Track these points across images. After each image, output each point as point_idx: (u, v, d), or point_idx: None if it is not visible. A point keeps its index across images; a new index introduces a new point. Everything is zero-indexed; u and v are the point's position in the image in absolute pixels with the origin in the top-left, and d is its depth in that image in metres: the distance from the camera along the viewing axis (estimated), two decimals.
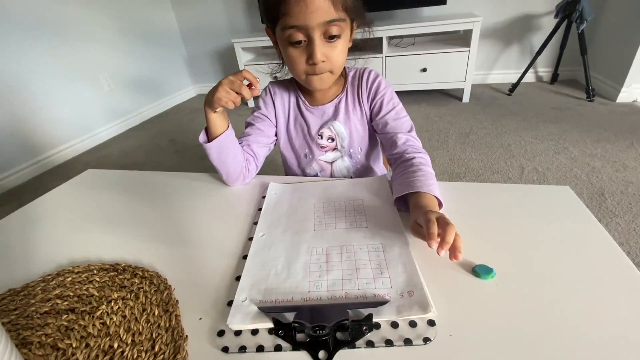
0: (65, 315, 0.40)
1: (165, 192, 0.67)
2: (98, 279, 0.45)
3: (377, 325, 0.36)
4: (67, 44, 2.20)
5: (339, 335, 0.36)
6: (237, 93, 0.56)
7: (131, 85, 2.71)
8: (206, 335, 0.37)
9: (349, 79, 0.72)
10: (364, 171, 0.78)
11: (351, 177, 0.76)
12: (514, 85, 2.48)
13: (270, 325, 0.37)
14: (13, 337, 0.38)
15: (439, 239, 0.41)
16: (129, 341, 0.37)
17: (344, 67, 0.71)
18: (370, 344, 0.35)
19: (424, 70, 2.38)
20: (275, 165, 1.40)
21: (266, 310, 0.38)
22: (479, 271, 0.41)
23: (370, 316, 0.36)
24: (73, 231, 0.59)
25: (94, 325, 0.39)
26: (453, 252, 0.41)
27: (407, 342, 0.34)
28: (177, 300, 0.42)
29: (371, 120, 0.72)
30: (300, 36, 0.56)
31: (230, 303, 0.40)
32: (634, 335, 0.33)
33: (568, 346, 0.33)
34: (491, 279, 0.41)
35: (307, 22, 0.54)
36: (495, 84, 2.74)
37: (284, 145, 0.77)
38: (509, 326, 0.35)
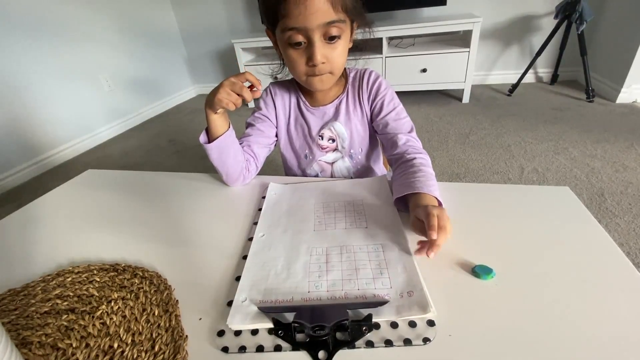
0: (65, 315, 0.40)
1: (165, 193, 0.67)
2: (98, 279, 0.45)
3: (377, 326, 0.36)
4: (67, 44, 2.20)
5: (338, 335, 0.36)
6: (238, 95, 0.56)
7: (131, 86, 2.71)
8: (206, 335, 0.37)
9: (350, 79, 0.72)
10: (364, 172, 0.78)
11: (351, 178, 0.76)
12: (514, 86, 2.48)
13: (270, 325, 0.37)
14: (13, 337, 0.38)
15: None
16: (129, 341, 0.37)
17: (345, 68, 0.71)
18: (369, 344, 0.35)
19: (424, 70, 2.38)
20: (275, 166, 1.40)
21: (266, 310, 0.38)
22: (479, 271, 0.41)
23: (369, 316, 0.36)
24: (73, 231, 0.59)
25: (94, 325, 0.39)
26: (430, 247, 0.42)
27: (407, 342, 0.34)
28: (177, 301, 0.42)
29: (372, 120, 0.72)
30: (300, 38, 0.56)
31: (230, 303, 0.40)
32: (633, 335, 0.33)
33: (568, 346, 0.33)
34: (491, 279, 0.41)
35: (307, 23, 0.54)
36: (495, 85, 2.74)
37: (284, 146, 0.77)
38: (509, 326, 0.35)
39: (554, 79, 2.59)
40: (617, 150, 1.66)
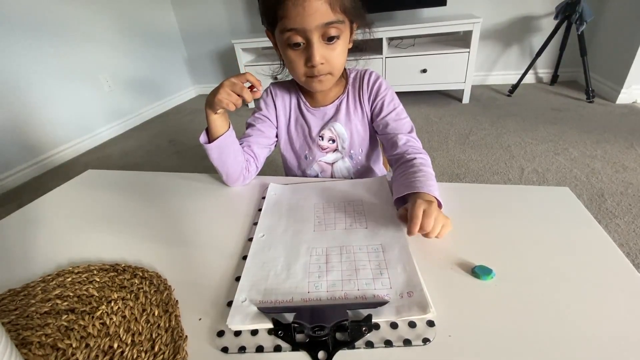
0: (65, 316, 0.40)
1: (165, 193, 0.67)
2: (98, 280, 0.45)
3: (377, 326, 0.36)
4: (67, 44, 2.20)
5: (338, 335, 0.36)
6: (238, 95, 0.56)
7: (131, 86, 2.71)
8: (206, 336, 0.37)
9: (350, 80, 0.72)
10: (364, 172, 0.78)
11: (351, 178, 0.76)
12: (514, 87, 2.48)
13: (270, 325, 0.37)
14: (13, 337, 0.38)
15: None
16: (129, 341, 0.37)
17: (345, 69, 0.71)
18: (369, 344, 0.35)
19: (424, 71, 2.38)
20: (275, 166, 1.40)
21: (266, 310, 0.38)
22: (479, 272, 0.41)
23: (369, 317, 0.36)
24: (73, 231, 0.59)
25: (93, 325, 0.39)
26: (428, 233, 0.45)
27: (407, 342, 0.34)
28: (177, 301, 0.42)
29: (372, 121, 0.72)
30: (298, 39, 0.56)
31: (230, 303, 0.40)
32: (633, 336, 0.33)
33: (568, 347, 0.33)
34: (490, 279, 0.41)
35: (305, 24, 0.54)
36: (495, 85, 2.74)
37: (285, 146, 0.77)
38: (508, 327, 0.35)
39: (554, 79, 2.59)
40: (617, 150, 1.66)
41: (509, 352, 0.33)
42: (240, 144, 0.68)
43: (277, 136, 0.76)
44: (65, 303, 0.42)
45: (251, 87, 0.56)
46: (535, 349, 0.33)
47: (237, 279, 0.44)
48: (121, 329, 0.38)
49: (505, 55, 2.68)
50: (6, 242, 0.57)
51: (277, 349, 0.35)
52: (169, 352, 0.35)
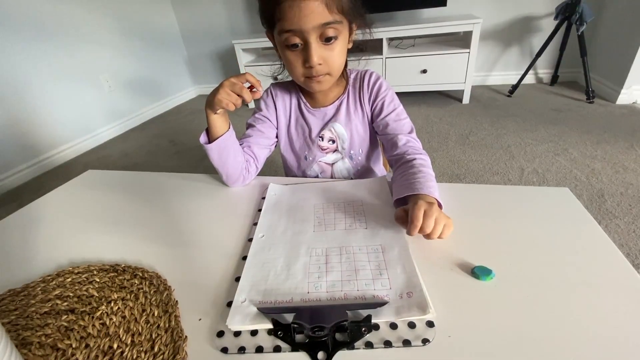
0: (65, 316, 0.40)
1: (165, 193, 0.68)
2: (98, 280, 0.45)
3: (376, 326, 0.36)
4: (67, 45, 2.20)
5: (338, 336, 0.36)
6: (238, 95, 0.56)
7: (131, 86, 2.71)
8: (205, 336, 0.37)
9: (351, 80, 0.72)
10: (364, 172, 0.78)
11: (351, 179, 0.76)
12: (514, 87, 2.48)
13: (270, 326, 0.37)
14: (13, 338, 0.38)
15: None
16: (129, 342, 0.37)
17: (346, 69, 0.72)
18: (369, 345, 0.35)
19: (424, 71, 2.38)
20: (275, 167, 1.40)
21: (265, 311, 0.38)
22: (478, 272, 0.41)
23: (369, 317, 0.36)
24: (73, 232, 0.59)
25: (93, 325, 0.39)
26: (429, 234, 0.45)
27: (406, 343, 0.34)
28: (177, 301, 0.42)
29: (372, 121, 0.73)
30: (296, 40, 0.56)
31: (229, 304, 0.40)
32: (633, 336, 0.33)
33: (567, 347, 0.33)
34: (490, 280, 0.41)
35: (302, 25, 0.54)
36: (495, 86, 2.74)
37: (285, 147, 0.77)
38: (508, 327, 0.35)
39: (554, 80, 2.59)
40: (617, 151, 1.66)
41: (509, 352, 0.33)
42: (240, 145, 0.68)
43: (277, 137, 0.76)
44: (65, 303, 0.42)
45: (251, 87, 0.56)
46: (535, 349, 0.33)
47: (237, 279, 0.44)
48: (121, 329, 0.38)
49: (505, 55, 2.68)
50: (6, 242, 0.57)
51: (277, 349, 0.35)
52: (168, 353, 0.35)
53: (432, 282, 0.41)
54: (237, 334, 0.37)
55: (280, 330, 0.36)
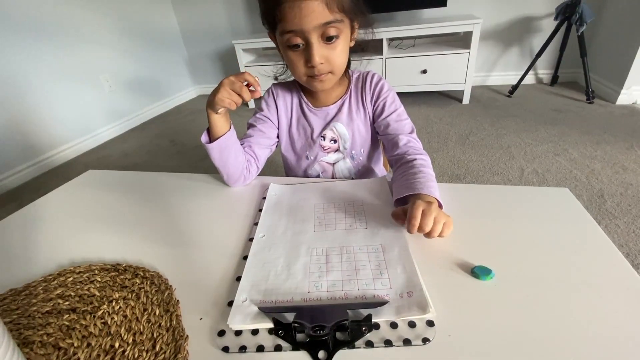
0: (67, 315, 0.40)
1: (165, 193, 0.68)
2: (99, 279, 0.46)
3: (377, 326, 0.37)
4: (68, 45, 2.20)
5: (338, 335, 0.36)
6: (238, 94, 0.56)
7: (132, 86, 2.72)
8: (207, 335, 0.38)
9: (353, 80, 0.73)
10: (365, 172, 0.78)
11: (352, 178, 0.77)
12: (514, 87, 2.48)
13: (271, 325, 0.37)
14: (15, 337, 0.38)
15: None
16: (130, 341, 0.37)
17: (349, 70, 0.72)
18: (369, 344, 0.35)
19: (424, 71, 2.38)
20: (275, 167, 1.40)
21: (266, 310, 0.39)
22: (478, 272, 0.41)
23: (369, 317, 0.36)
24: (74, 232, 0.59)
25: (95, 325, 0.39)
26: (429, 233, 0.45)
27: (406, 342, 0.35)
28: (178, 301, 0.42)
29: (374, 121, 0.73)
30: (297, 40, 0.56)
31: (230, 303, 0.40)
32: (632, 336, 0.33)
33: (567, 347, 0.33)
34: (490, 280, 0.41)
35: (303, 26, 0.54)
36: (495, 86, 2.75)
37: (286, 146, 0.78)
38: (508, 327, 0.35)
39: (554, 80, 2.59)
40: (617, 151, 1.67)
41: (509, 352, 0.33)
42: (241, 144, 0.68)
43: (278, 137, 0.77)
44: (67, 303, 0.42)
45: (249, 86, 0.56)
46: (535, 349, 0.33)
47: (238, 278, 0.44)
48: (122, 329, 0.38)
49: (505, 56, 2.68)
50: (7, 242, 0.58)
51: (278, 348, 0.35)
52: (170, 352, 0.35)
53: (432, 282, 0.41)
54: (238, 333, 0.37)
55: (281, 330, 0.36)
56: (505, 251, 0.45)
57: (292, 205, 0.59)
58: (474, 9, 2.50)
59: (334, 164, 0.76)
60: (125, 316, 0.40)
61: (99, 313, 0.40)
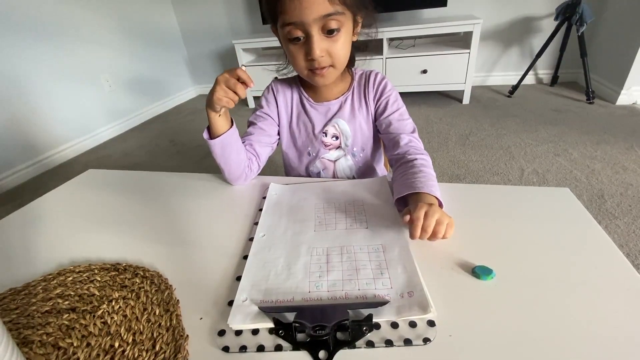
0: (66, 315, 0.40)
1: (165, 193, 0.68)
2: (99, 279, 0.45)
3: (377, 326, 0.36)
4: (68, 45, 2.20)
5: (339, 335, 0.36)
6: (233, 92, 0.55)
7: (132, 86, 2.71)
8: (207, 335, 0.37)
9: (356, 78, 0.73)
10: (366, 171, 0.78)
11: (354, 177, 0.76)
12: (514, 87, 2.48)
13: (271, 325, 0.37)
14: (14, 336, 0.38)
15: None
16: (130, 340, 0.37)
17: (352, 67, 0.72)
18: (370, 344, 0.35)
19: (424, 71, 2.38)
20: (275, 166, 1.40)
21: (267, 310, 0.38)
22: (479, 272, 0.41)
23: (370, 316, 0.36)
24: (74, 231, 0.59)
25: (95, 324, 0.39)
26: (433, 235, 0.44)
27: (407, 342, 0.35)
28: (178, 300, 0.42)
29: (375, 120, 0.73)
30: (298, 33, 0.56)
31: (230, 303, 0.40)
32: (632, 336, 0.33)
33: (567, 347, 0.33)
34: (491, 279, 0.41)
35: (303, 18, 0.54)
36: (495, 86, 2.75)
37: (287, 143, 0.77)
38: (509, 327, 0.35)
39: (554, 80, 2.60)
40: (617, 151, 1.67)
41: (509, 351, 0.33)
42: (242, 143, 0.68)
43: (279, 134, 0.76)
44: (67, 302, 0.42)
45: (243, 83, 0.55)
46: (535, 349, 0.33)
47: (238, 278, 0.44)
48: (122, 328, 0.38)
49: (505, 56, 2.68)
50: (7, 241, 0.57)
51: (278, 348, 0.35)
52: (170, 351, 0.35)
53: (432, 282, 0.41)
54: (238, 333, 0.37)
55: (282, 329, 0.36)
56: (506, 251, 0.45)
57: (292, 205, 0.59)
58: (474, 9, 2.50)
59: (335, 161, 0.76)
60: (125, 316, 0.40)
61: (99, 312, 0.40)
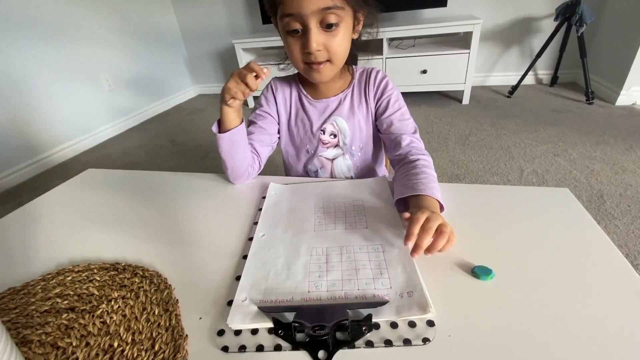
0: (66, 314, 0.40)
1: (165, 192, 0.67)
2: (98, 278, 0.45)
3: (377, 326, 0.36)
4: (68, 44, 2.20)
5: (338, 335, 0.36)
6: (245, 84, 0.55)
7: (132, 85, 2.71)
8: (206, 335, 0.37)
9: (357, 75, 0.72)
10: (364, 171, 0.78)
11: (352, 177, 0.76)
12: (514, 88, 2.48)
13: (270, 325, 0.37)
14: (13, 336, 0.38)
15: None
16: (129, 340, 0.37)
17: (352, 65, 0.71)
18: (369, 344, 0.35)
19: (424, 72, 2.38)
20: (275, 166, 1.40)
21: (266, 310, 0.38)
22: (478, 272, 0.41)
23: (369, 316, 0.36)
24: (73, 230, 0.59)
25: (94, 324, 0.39)
26: (429, 249, 0.43)
27: (407, 342, 0.34)
28: (177, 300, 0.42)
29: (376, 119, 0.72)
30: (296, 25, 0.56)
31: (230, 303, 0.40)
32: (632, 336, 0.33)
33: (567, 347, 0.33)
34: (490, 280, 0.41)
35: (301, 9, 0.53)
36: (495, 86, 2.75)
37: (286, 141, 0.77)
38: (508, 327, 0.35)
39: (553, 80, 2.60)
40: (617, 152, 1.67)
41: (509, 352, 0.33)
42: None
43: (279, 132, 0.76)
44: (66, 302, 0.42)
45: (256, 76, 0.56)
46: (535, 349, 0.33)
47: (238, 278, 0.44)
48: (121, 328, 0.38)
49: (505, 56, 2.68)
50: (6, 240, 0.57)
51: (278, 348, 0.35)
52: (169, 351, 0.35)
53: (432, 282, 0.41)
54: (237, 332, 0.37)
55: (281, 329, 0.36)
56: (505, 251, 0.45)
57: (292, 205, 0.59)
58: (474, 9, 2.50)
59: (333, 160, 0.76)
60: (124, 315, 0.40)
61: (98, 312, 0.40)
